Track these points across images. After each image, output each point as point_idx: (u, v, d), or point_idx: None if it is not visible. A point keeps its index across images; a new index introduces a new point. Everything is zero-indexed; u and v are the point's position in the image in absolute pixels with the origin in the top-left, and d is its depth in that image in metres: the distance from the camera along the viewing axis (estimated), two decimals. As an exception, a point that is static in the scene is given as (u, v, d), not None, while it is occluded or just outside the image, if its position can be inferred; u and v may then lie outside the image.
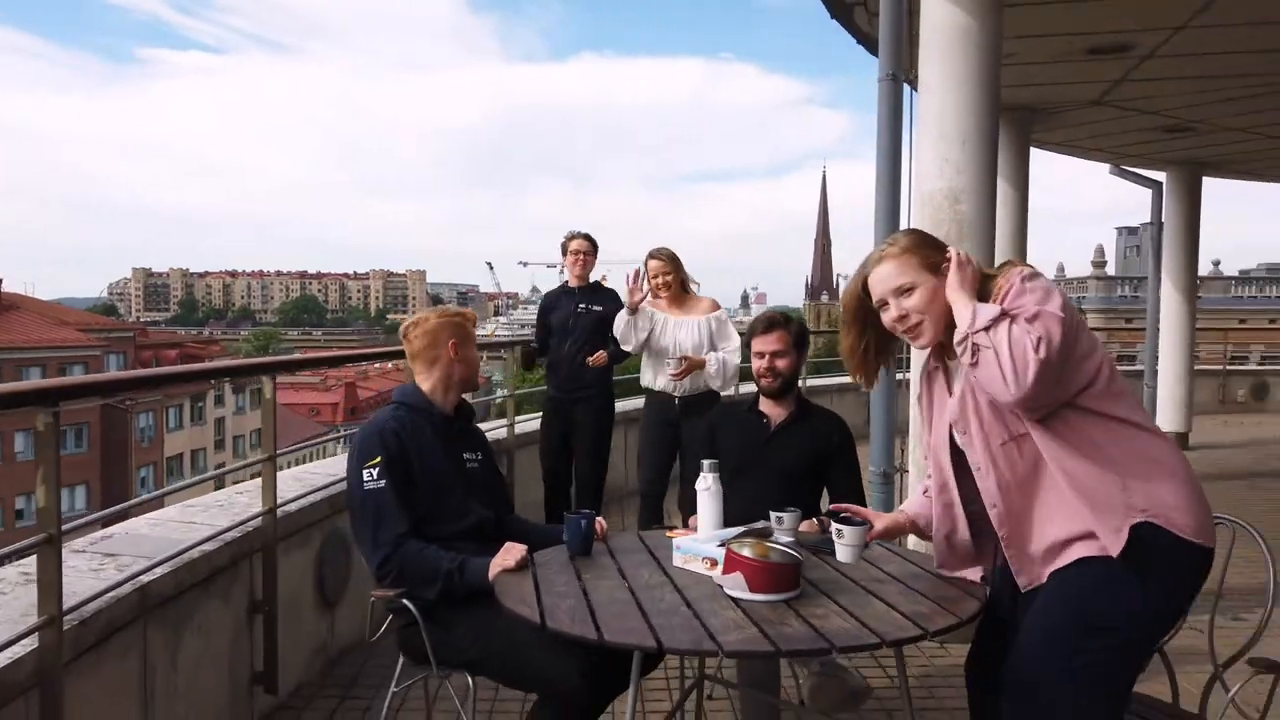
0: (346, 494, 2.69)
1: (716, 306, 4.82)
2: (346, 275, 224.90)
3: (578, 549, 2.66)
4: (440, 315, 2.88)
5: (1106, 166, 10.53)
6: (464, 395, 2.94)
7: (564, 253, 5.29)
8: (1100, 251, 47.33)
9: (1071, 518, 2.02)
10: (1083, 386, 2.00)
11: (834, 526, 2.42)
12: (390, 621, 2.71)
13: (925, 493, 2.43)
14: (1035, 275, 2.04)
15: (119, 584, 2.46)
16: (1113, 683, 2.01)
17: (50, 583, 2.08)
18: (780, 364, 3.17)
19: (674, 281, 4.72)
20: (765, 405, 3.27)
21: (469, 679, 2.58)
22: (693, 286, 4.81)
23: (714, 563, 2.41)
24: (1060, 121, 7.90)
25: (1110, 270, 47.95)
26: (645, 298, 4.70)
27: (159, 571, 2.66)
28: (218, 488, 3.87)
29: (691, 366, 4.52)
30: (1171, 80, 6.60)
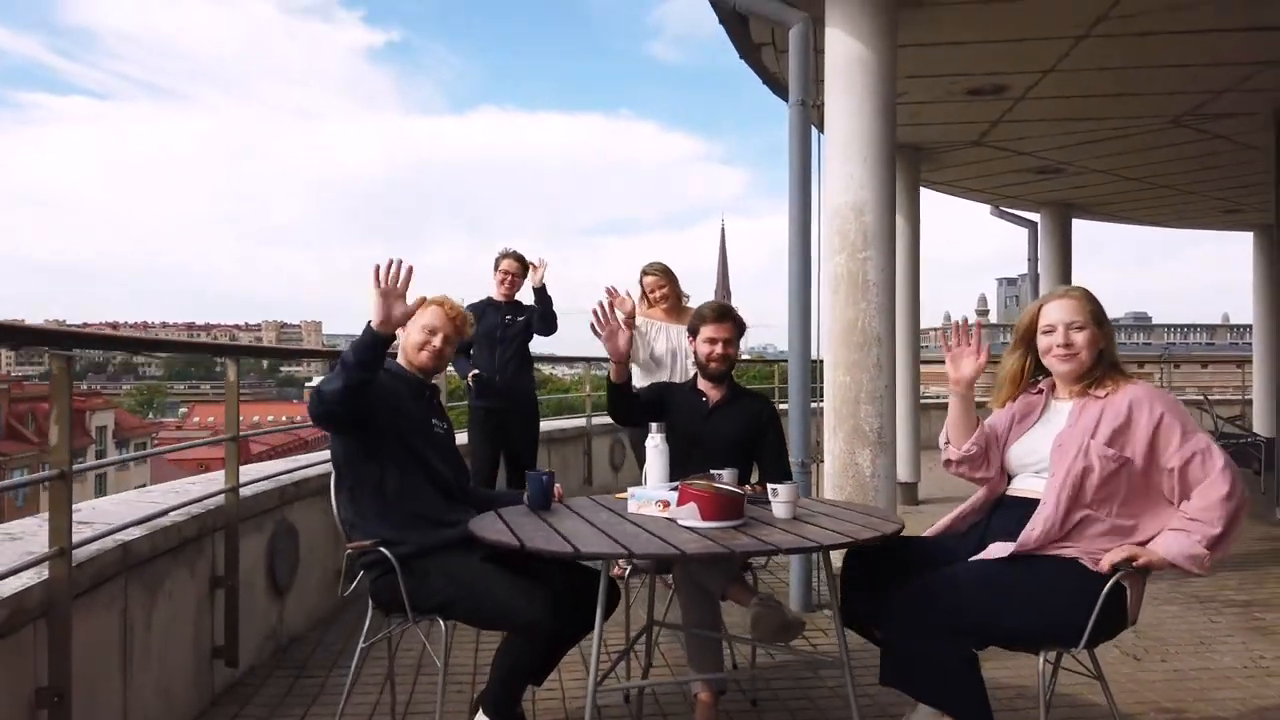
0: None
1: None
2: (238, 326, 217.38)
3: (539, 503, 2.92)
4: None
5: (988, 208, 11.42)
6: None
7: (495, 268, 5.57)
8: (983, 300, 50.04)
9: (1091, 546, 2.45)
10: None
11: (770, 486, 2.76)
12: (360, 579, 2.90)
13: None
14: (1177, 407, 2.51)
15: (106, 534, 2.60)
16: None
17: (61, 516, 2.23)
18: (730, 350, 3.54)
19: (670, 293, 5.12)
20: (704, 386, 3.60)
21: (441, 623, 2.78)
22: (685, 300, 5.22)
23: (666, 504, 2.70)
24: (945, 161, 8.60)
25: (992, 318, 50.59)
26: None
27: (137, 533, 2.80)
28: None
29: None
30: (1041, 122, 7.33)
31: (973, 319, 47.36)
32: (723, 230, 78.33)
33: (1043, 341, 2.62)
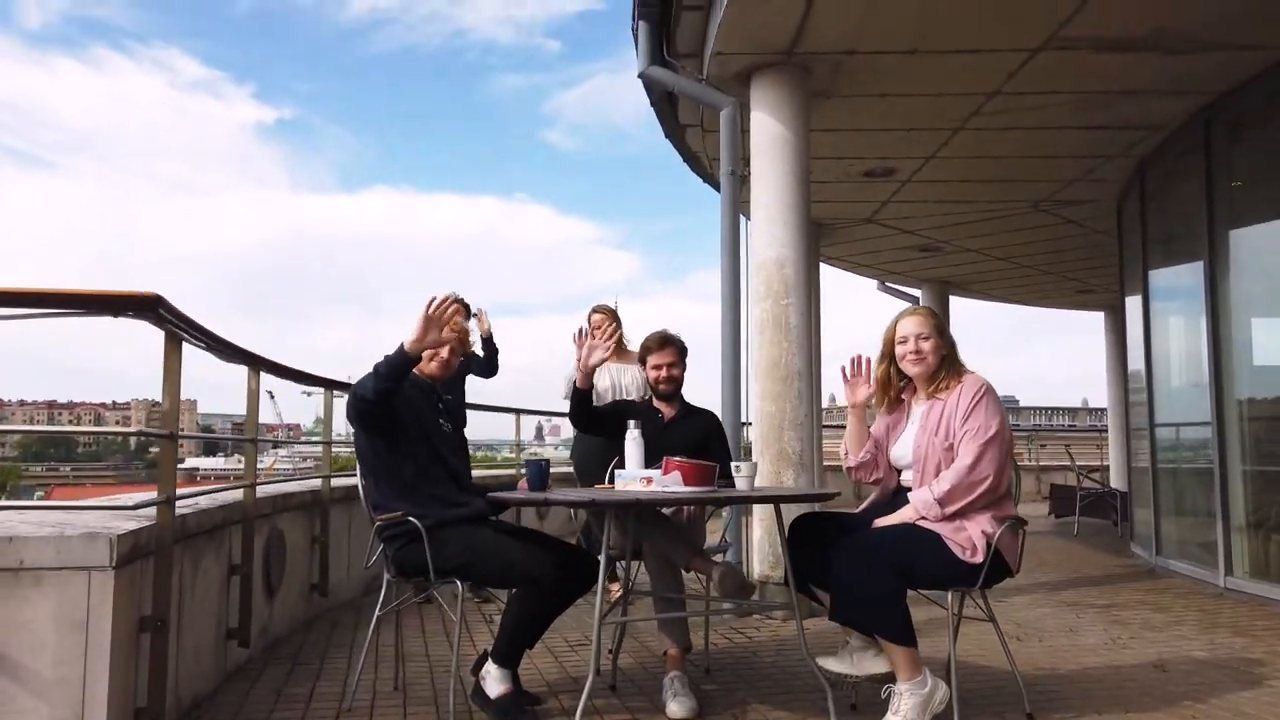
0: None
1: None
2: (104, 405, 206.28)
3: (537, 484, 3.46)
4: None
5: (875, 284, 12.55)
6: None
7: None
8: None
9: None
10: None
11: (734, 464, 3.39)
12: (381, 551, 3.37)
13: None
14: (990, 390, 3.18)
15: (170, 500, 3.00)
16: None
17: (168, 470, 2.67)
18: (675, 372, 4.15)
19: (615, 332, 5.36)
20: (659, 404, 4.22)
21: (458, 584, 3.25)
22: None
23: (649, 480, 3.28)
24: (841, 237, 9.60)
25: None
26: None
27: (186, 509, 3.20)
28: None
29: None
30: (924, 203, 8.38)
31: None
32: (617, 309, 79.55)
33: (899, 350, 3.33)
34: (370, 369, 3.25)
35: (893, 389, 3.42)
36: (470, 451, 3.97)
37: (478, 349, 6.03)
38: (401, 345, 3.20)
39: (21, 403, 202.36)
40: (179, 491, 3.09)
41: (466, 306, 6.06)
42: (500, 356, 6.09)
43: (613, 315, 5.69)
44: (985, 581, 3.13)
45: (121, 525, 2.51)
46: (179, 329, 2.61)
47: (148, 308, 2.35)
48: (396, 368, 3.19)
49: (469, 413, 6.25)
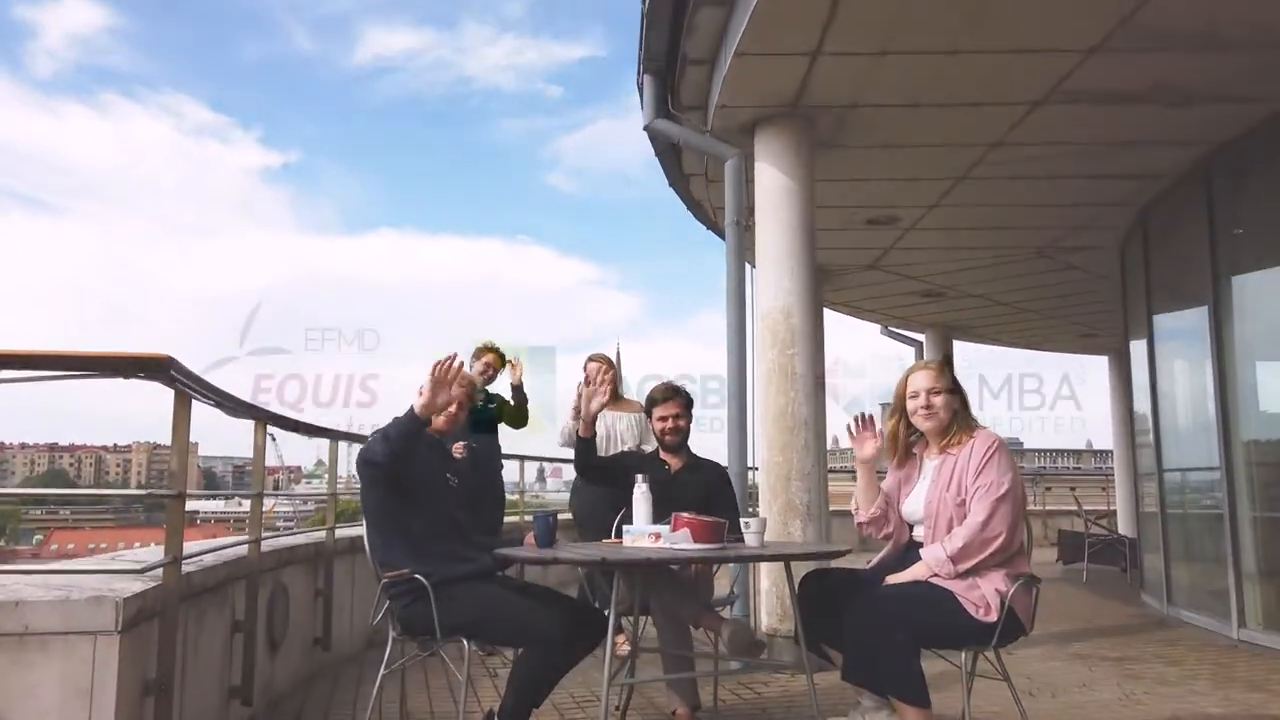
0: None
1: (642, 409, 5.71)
2: (105, 448, 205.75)
3: (545, 541, 3.43)
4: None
5: (878, 329, 12.56)
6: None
7: (476, 359, 5.85)
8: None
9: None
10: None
11: (743, 520, 3.37)
12: (388, 608, 3.33)
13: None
14: (1003, 446, 3.14)
15: (176, 560, 2.98)
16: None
17: (176, 530, 2.65)
18: (682, 423, 4.15)
19: (611, 380, 5.35)
20: (665, 456, 4.20)
21: (465, 643, 3.21)
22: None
23: (658, 536, 3.26)
24: (844, 283, 9.63)
25: (877, 441, 52.65)
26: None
27: (191, 567, 3.18)
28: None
29: None
30: (927, 250, 8.42)
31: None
32: (618, 353, 79.69)
33: (910, 405, 3.31)
34: (380, 430, 3.25)
35: (903, 443, 3.40)
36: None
37: (505, 393, 5.99)
38: (411, 408, 3.20)
39: (23, 445, 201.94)
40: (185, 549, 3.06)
41: (502, 355, 6.01)
42: (530, 406, 6.03)
43: (609, 363, 5.69)
44: (999, 640, 3.09)
45: (127, 587, 2.49)
46: (189, 389, 2.61)
47: (159, 369, 2.35)
48: (406, 432, 3.19)
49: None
